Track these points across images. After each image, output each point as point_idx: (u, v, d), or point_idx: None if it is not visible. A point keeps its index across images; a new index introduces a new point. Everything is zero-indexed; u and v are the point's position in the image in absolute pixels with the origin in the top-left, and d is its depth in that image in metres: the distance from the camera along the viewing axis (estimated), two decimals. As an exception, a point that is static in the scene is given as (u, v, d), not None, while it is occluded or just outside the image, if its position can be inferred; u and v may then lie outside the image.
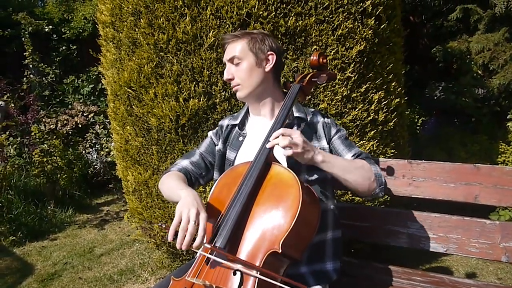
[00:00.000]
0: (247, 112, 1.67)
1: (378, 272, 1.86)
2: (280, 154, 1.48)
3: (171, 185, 1.47)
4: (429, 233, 1.76)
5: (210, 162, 1.69)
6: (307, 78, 1.56)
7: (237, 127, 1.65)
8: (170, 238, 1.22)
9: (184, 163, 1.67)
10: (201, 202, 1.29)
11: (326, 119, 1.61)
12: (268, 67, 1.54)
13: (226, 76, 1.57)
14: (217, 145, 1.68)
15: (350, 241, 2.37)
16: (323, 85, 2.28)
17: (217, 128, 1.74)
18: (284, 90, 1.62)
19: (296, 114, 1.58)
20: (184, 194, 1.32)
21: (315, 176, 1.52)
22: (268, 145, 1.34)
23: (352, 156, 1.53)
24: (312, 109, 1.65)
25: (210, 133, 1.74)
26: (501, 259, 1.64)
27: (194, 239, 1.22)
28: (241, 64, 1.53)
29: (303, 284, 1.45)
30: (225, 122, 1.71)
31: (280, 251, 1.21)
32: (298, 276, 1.49)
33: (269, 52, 1.54)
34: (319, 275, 1.52)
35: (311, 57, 1.59)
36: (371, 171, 1.46)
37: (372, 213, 1.93)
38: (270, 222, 1.27)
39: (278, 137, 1.32)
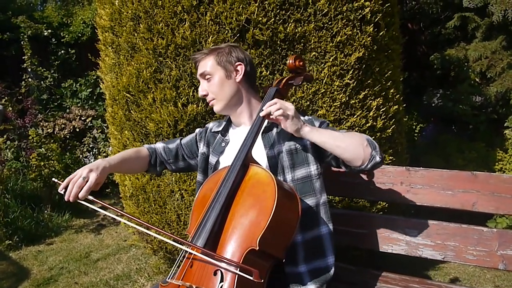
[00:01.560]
0: (229, 120, 1.72)
1: (375, 279, 1.86)
2: (260, 156, 1.53)
3: (114, 155, 1.62)
4: (427, 240, 1.76)
5: (183, 155, 1.78)
6: (284, 81, 1.62)
7: (219, 134, 1.70)
8: (60, 188, 1.40)
9: (158, 145, 1.79)
10: (102, 169, 1.45)
11: (306, 117, 1.62)
12: (238, 78, 1.59)
13: (200, 92, 1.64)
14: (200, 147, 1.76)
15: (347, 247, 2.36)
16: (321, 90, 2.28)
17: (203, 128, 1.81)
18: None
19: None
20: (96, 161, 1.50)
21: (300, 174, 1.54)
22: (262, 114, 1.41)
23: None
24: None
25: (197, 130, 1.83)
26: (498, 266, 1.65)
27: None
28: (212, 79, 1.59)
29: (297, 283, 1.47)
30: (210, 125, 1.79)
31: (258, 248, 1.24)
32: (295, 275, 1.50)
33: (237, 63, 1.59)
34: (318, 273, 1.53)
35: (288, 61, 1.65)
36: (362, 137, 1.45)
37: (369, 220, 1.93)
38: (248, 221, 1.31)
39: (271, 105, 1.39)
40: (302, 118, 1.60)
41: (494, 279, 2.89)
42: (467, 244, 1.69)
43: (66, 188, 1.39)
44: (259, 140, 1.55)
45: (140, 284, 3.00)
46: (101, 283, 3.04)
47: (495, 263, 1.64)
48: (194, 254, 1.30)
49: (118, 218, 1.48)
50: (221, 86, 1.58)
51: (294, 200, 1.38)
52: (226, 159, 1.60)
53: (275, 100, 1.41)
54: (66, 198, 1.39)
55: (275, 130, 1.60)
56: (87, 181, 1.40)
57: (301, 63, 1.64)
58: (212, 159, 1.67)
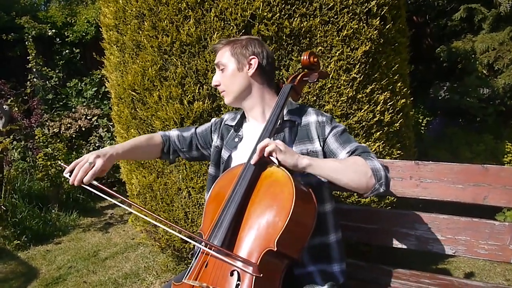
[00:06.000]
0: (243, 115, 1.68)
1: (386, 275, 1.84)
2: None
3: (126, 141, 1.63)
4: (437, 234, 1.74)
5: (197, 145, 1.77)
6: (298, 78, 1.59)
7: (233, 129, 1.67)
8: (65, 172, 1.41)
9: (173, 132, 1.78)
10: (110, 156, 1.47)
11: (320, 117, 1.56)
12: (250, 71, 1.54)
13: (213, 82, 1.62)
14: (213, 138, 1.73)
15: (357, 243, 2.35)
16: (327, 85, 2.26)
17: (219, 119, 1.78)
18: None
19: (286, 117, 1.57)
20: (104, 148, 1.51)
21: (309, 180, 1.49)
22: (252, 161, 1.35)
23: (347, 153, 1.47)
24: (308, 108, 1.62)
25: (212, 120, 1.80)
26: (511, 260, 1.62)
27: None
28: (225, 70, 1.57)
29: (311, 283, 1.45)
30: (225, 117, 1.75)
31: (276, 249, 1.21)
32: (306, 275, 1.48)
33: (251, 57, 1.54)
34: (327, 275, 1.51)
35: (302, 57, 1.62)
36: (367, 166, 1.38)
37: (379, 215, 1.92)
38: (264, 221, 1.28)
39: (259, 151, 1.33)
40: (315, 119, 1.56)
41: (505, 273, 2.87)
42: (478, 238, 1.67)
43: (71, 172, 1.39)
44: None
45: (148, 282, 3.00)
46: (110, 281, 3.05)
47: (507, 257, 1.62)
48: (210, 254, 1.28)
49: (125, 207, 1.46)
50: (233, 78, 1.55)
51: (311, 200, 1.35)
52: (239, 155, 1.57)
53: (262, 142, 1.34)
54: (71, 181, 1.39)
55: (287, 130, 1.55)
56: (93, 166, 1.40)
57: (315, 59, 1.61)
58: (225, 154, 1.64)
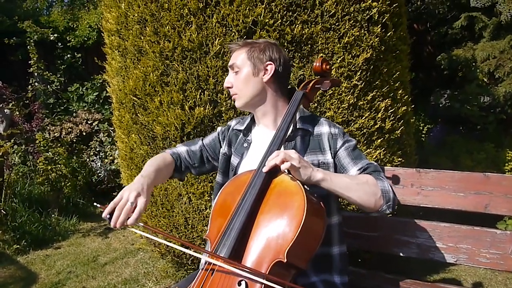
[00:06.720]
0: (253, 119, 1.65)
1: (387, 283, 1.83)
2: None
3: (145, 167, 1.51)
4: (439, 243, 1.73)
5: (207, 157, 1.71)
6: (311, 85, 1.56)
7: (242, 133, 1.64)
8: (104, 214, 1.29)
9: (181, 149, 1.71)
10: (147, 189, 1.36)
11: (333, 129, 1.55)
12: (265, 77, 1.52)
13: (225, 84, 1.58)
14: (222, 146, 1.69)
15: (358, 251, 2.34)
16: (329, 92, 2.26)
17: (225, 127, 1.74)
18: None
19: (299, 126, 1.55)
20: (136, 179, 1.39)
21: (317, 190, 1.47)
22: (264, 169, 1.31)
23: (358, 170, 1.47)
24: (321, 118, 1.61)
25: (219, 129, 1.75)
26: (513, 269, 1.62)
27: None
28: (240, 73, 1.53)
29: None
30: (232, 123, 1.72)
31: (285, 260, 1.19)
32: (309, 285, 1.46)
33: (267, 62, 1.52)
34: (329, 285, 1.50)
35: (314, 63, 1.59)
36: (377, 186, 1.39)
37: (380, 222, 1.91)
38: (274, 231, 1.25)
39: (273, 158, 1.29)
40: (328, 130, 1.55)
41: (506, 281, 2.85)
42: (480, 247, 1.66)
43: (110, 213, 1.29)
44: (281, 148, 1.47)
45: (148, 288, 2.99)
46: (109, 287, 3.04)
47: (509, 266, 1.61)
48: (217, 266, 1.25)
49: (163, 241, 1.40)
50: (246, 82, 1.51)
51: (321, 211, 1.33)
52: (248, 162, 1.55)
53: (277, 152, 1.30)
54: (112, 224, 1.28)
55: (298, 139, 1.54)
56: (135, 207, 1.30)
57: (328, 66, 1.58)
58: (234, 160, 1.60)
